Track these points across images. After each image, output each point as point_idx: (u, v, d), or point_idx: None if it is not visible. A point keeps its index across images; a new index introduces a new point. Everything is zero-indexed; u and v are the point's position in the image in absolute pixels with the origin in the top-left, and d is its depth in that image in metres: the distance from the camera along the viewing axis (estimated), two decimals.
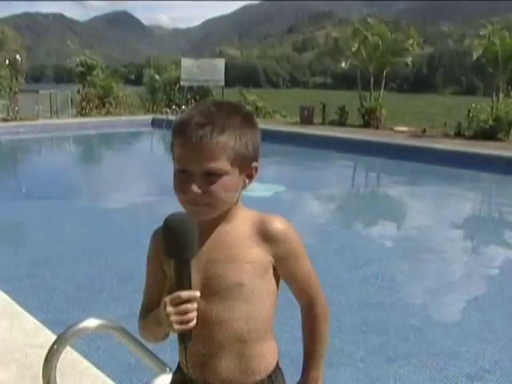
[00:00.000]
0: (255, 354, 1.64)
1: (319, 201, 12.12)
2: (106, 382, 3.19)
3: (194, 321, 1.44)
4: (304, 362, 1.77)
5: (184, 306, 1.42)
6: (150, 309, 1.66)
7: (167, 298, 1.43)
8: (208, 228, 1.59)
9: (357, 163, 17.69)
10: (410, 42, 22.36)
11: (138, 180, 13.88)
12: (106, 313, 5.38)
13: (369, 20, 24.28)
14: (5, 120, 22.19)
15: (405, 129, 21.29)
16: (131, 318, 1.71)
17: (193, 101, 26.74)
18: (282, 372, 1.72)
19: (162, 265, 1.64)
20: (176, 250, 1.43)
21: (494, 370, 4.53)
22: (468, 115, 19.42)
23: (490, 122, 18.41)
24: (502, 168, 13.90)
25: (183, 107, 24.38)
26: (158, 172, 14.85)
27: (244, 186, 1.62)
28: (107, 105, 27.05)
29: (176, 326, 1.43)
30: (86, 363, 3.33)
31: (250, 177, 1.62)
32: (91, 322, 2.39)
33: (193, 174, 1.51)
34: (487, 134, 18.19)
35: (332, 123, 23.13)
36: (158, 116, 24.95)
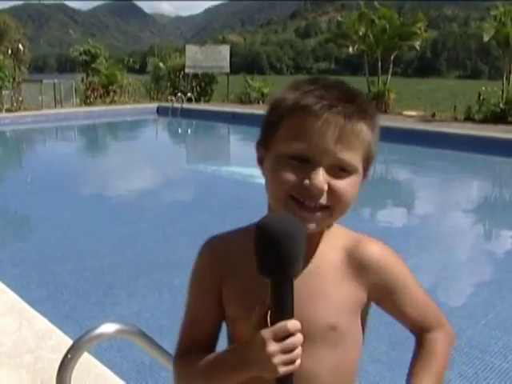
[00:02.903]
0: None
1: None
2: None
3: (299, 360, 1.07)
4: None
5: (290, 341, 1.05)
6: (197, 350, 1.27)
7: (267, 333, 1.06)
8: None
9: None
10: (419, 25, 22.03)
11: (147, 168, 13.67)
12: (118, 308, 5.21)
13: (376, 4, 23.94)
14: (9, 110, 21.98)
15: (414, 113, 21.09)
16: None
17: (198, 88, 26.54)
18: None
19: (220, 288, 1.27)
20: (278, 265, 1.03)
21: None
22: (478, 98, 19.18)
23: (501, 105, 18.16)
24: None
25: (189, 94, 24.23)
26: (166, 159, 14.70)
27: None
28: (111, 94, 26.90)
29: (282, 369, 1.05)
30: (101, 367, 3.12)
31: (362, 182, 1.25)
32: (108, 328, 2.17)
33: (317, 165, 1.13)
34: (498, 118, 17.96)
35: None
36: (164, 104, 24.79)
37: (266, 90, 25.89)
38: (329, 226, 1.27)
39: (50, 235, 7.74)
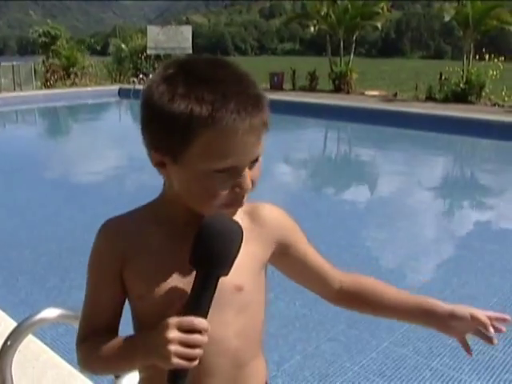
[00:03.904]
0: (247, 378, 1.29)
1: (291, 167, 11.93)
2: (72, 373, 2.94)
3: (197, 361, 1.08)
4: (417, 306, 1.40)
5: (193, 337, 1.06)
6: (101, 333, 1.25)
7: (173, 320, 1.07)
8: (193, 224, 1.16)
9: (329, 129, 17.49)
10: (381, 5, 22.11)
11: (108, 152, 13.51)
12: (75, 293, 5.15)
13: None
14: None
15: (376, 93, 21.21)
16: None
17: None
18: None
19: (120, 270, 1.23)
20: (211, 260, 1.09)
21: (477, 339, 4.39)
22: (440, 78, 19.36)
23: (462, 85, 18.35)
24: (477, 131, 13.83)
25: (151, 76, 23.97)
26: (127, 143, 14.53)
27: None
28: (72, 76, 26.47)
29: (175, 360, 1.05)
30: (50, 353, 3.07)
31: None
32: (50, 313, 2.13)
33: (243, 170, 1.13)
34: (458, 97, 18.17)
35: (302, 89, 22.95)
36: (125, 86, 24.52)
37: None
38: None
39: (7, 220, 7.60)
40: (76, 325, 2.16)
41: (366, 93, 21.37)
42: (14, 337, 2.08)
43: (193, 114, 1.07)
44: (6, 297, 4.92)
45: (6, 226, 7.32)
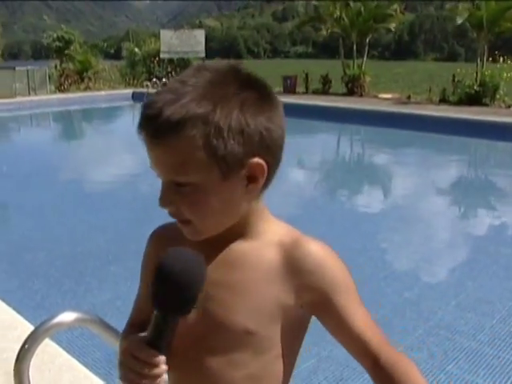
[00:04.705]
0: None
1: (304, 171, 11.91)
2: (88, 376, 2.97)
3: None
4: None
5: (140, 366, 0.99)
6: (133, 325, 1.26)
7: (130, 339, 1.04)
8: (216, 245, 1.11)
9: (342, 132, 17.46)
10: (394, 7, 22.06)
11: (122, 155, 13.55)
12: (89, 297, 5.18)
13: None
14: None
15: (389, 96, 21.16)
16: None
17: (173, 73, 26.38)
18: None
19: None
20: (164, 304, 0.98)
21: (492, 343, 4.38)
22: (453, 81, 19.29)
23: (476, 87, 18.27)
24: (491, 133, 13.77)
25: (164, 80, 24.05)
26: (141, 147, 14.56)
27: (250, 193, 1.07)
28: (86, 80, 26.62)
29: (121, 378, 1.01)
30: (65, 356, 3.09)
31: (253, 179, 1.05)
32: (66, 316, 2.14)
33: (163, 182, 1.07)
34: (472, 99, 18.10)
35: (315, 92, 22.96)
36: (139, 90, 24.60)
37: None
38: (248, 221, 1.12)
39: (22, 224, 7.66)
40: (92, 328, 2.19)
41: (380, 96, 21.33)
42: (32, 341, 2.10)
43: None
44: (23, 300, 4.95)
45: (22, 229, 7.37)
